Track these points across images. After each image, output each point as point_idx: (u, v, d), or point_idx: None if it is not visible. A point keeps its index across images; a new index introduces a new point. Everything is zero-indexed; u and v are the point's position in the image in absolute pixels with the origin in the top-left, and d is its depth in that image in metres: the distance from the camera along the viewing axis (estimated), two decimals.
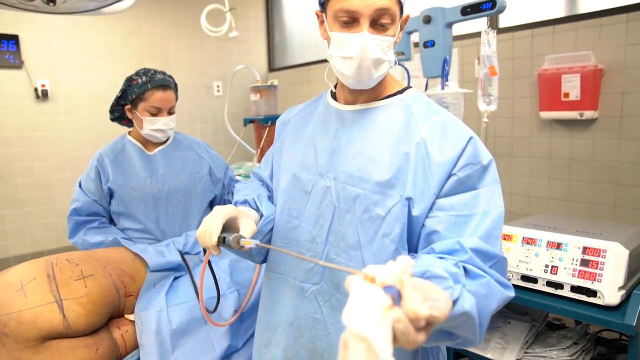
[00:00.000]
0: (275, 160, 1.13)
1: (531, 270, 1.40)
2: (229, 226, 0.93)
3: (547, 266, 1.37)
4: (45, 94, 3.66)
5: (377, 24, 0.90)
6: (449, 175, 0.88)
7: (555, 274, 1.35)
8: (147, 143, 1.86)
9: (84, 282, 1.30)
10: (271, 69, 4.94)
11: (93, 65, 3.92)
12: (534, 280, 1.39)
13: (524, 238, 1.44)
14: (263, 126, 2.57)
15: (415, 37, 2.16)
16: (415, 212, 0.89)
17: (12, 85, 3.56)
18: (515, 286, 1.35)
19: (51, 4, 1.80)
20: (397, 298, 0.52)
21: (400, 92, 0.99)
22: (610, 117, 2.31)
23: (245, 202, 1.09)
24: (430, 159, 0.89)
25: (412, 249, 0.93)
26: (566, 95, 2.38)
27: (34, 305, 1.20)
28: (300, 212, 1.02)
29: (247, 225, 0.92)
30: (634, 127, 2.24)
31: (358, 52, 0.90)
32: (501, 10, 1.81)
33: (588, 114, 2.32)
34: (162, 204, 1.80)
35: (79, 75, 3.85)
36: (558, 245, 1.37)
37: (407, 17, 0.96)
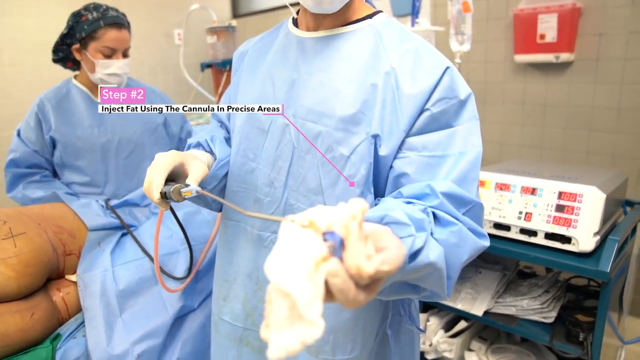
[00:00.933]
0: (232, 96, 1.00)
1: (504, 217, 1.33)
2: (177, 175, 0.81)
3: (520, 213, 1.30)
4: None
5: None
6: (422, 110, 0.77)
7: (529, 220, 1.28)
8: (96, 88, 1.68)
9: (13, 241, 1.16)
10: (235, 14, 4.65)
11: (37, 10, 3.58)
12: (507, 228, 1.33)
13: (497, 184, 1.36)
14: (221, 71, 2.38)
15: None
16: (382, 151, 0.78)
17: None
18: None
19: None
20: (338, 248, 0.41)
21: (370, 16, 0.85)
22: (586, 59, 2.22)
23: (198, 145, 0.96)
24: (401, 92, 0.78)
25: (379, 194, 0.83)
26: (542, 36, 2.26)
27: None
28: (257, 154, 0.90)
29: (196, 170, 0.80)
30: (610, 71, 2.16)
31: None
32: None
33: (564, 56, 2.22)
34: (111, 155, 1.65)
35: (23, 21, 3.52)
36: (533, 191, 1.29)
37: None
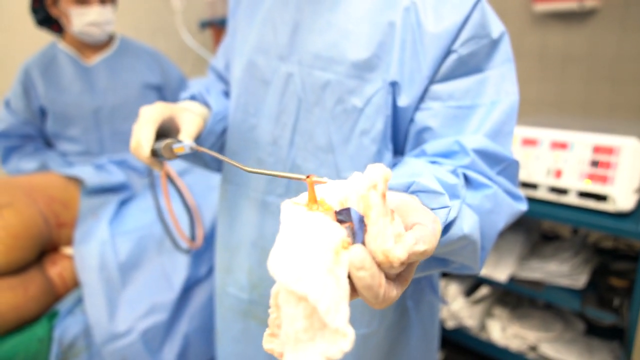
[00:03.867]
0: (230, 44, 0.88)
1: (531, 175, 1.22)
2: (168, 130, 0.71)
3: (549, 170, 1.19)
4: None
5: None
6: (448, 52, 0.65)
7: (560, 178, 1.17)
8: (84, 49, 1.56)
9: (0, 212, 1.07)
10: None
11: None
12: (534, 186, 1.22)
13: (523, 139, 1.25)
14: (222, 29, 2.24)
15: None
16: (402, 102, 0.67)
17: None
18: None
19: None
20: (358, 230, 0.32)
21: None
22: (613, 5, 2.06)
23: (192, 98, 0.85)
24: (423, 30, 0.66)
25: (399, 151, 0.72)
26: None
27: None
28: (258, 108, 0.79)
29: (189, 124, 0.70)
30: (639, 17, 2.01)
31: None
32: None
33: (589, 3, 2.05)
34: (105, 121, 1.54)
35: None
36: (563, 146, 1.17)
37: None
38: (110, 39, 1.60)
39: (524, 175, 1.23)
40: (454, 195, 0.53)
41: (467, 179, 0.59)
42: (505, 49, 0.67)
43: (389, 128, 0.70)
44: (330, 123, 0.72)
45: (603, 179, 1.11)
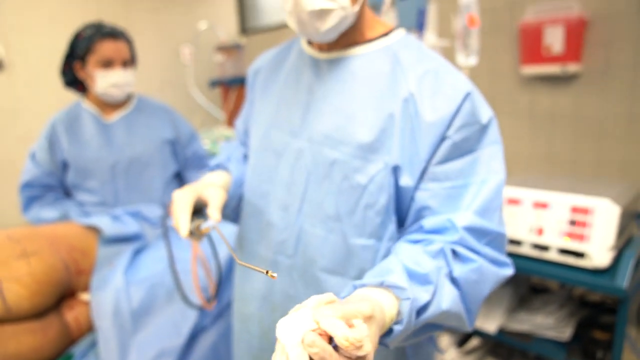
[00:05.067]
0: (248, 114, 1.01)
1: (515, 232, 1.31)
2: (200, 205, 0.85)
3: (532, 228, 1.29)
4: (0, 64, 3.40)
5: None
6: (443, 138, 0.75)
7: (541, 235, 1.26)
8: (105, 108, 1.70)
9: (27, 260, 1.17)
10: (243, 29, 4.71)
11: (52, 30, 3.65)
12: (518, 243, 1.31)
13: (507, 199, 1.35)
14: (230, 88, 2.40)
15: None
16: (403, 182, 0.77)
17: None
18: None
19: None
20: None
21: (386, 34, 0.84)
22: (594, 70, 2.22)
23: (218, 167, 0.98)
24: (420, 119, 0.76)
25: (402, 221, 0.82)
26: (548, 48, 2.27)
27: None
28: (271, 176, 0.90)
29: (214, 198, 0.82)
30: (620, 80, 2.15)
31: (291, 6, 0.77)
32: None
33: (571, 67, 2.21)
34: (120, 175, 1.66)
35: (38, 42, 3.59)
36: (544, 205, 1.28)
37: None
38: (128, 98, 1.74)
39: (509, 232, 1.32)
40: (426, 281, 0.64)
41: (455, 253, 0.70)
42: (493, 132, 0.78)
43: (392, 203, 0.79)
44: (338, 196, 0.81)
45: (580, 237, 1.21)
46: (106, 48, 1.55)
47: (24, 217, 1.68)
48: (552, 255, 1.25)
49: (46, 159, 1.64)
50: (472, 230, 0.72)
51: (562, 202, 1.25)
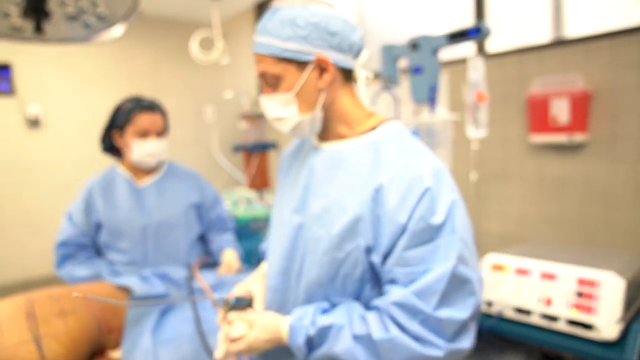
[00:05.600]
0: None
1: (524, 301, 1.37)
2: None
3: (540, 298, 1.34)
4: (36, 122, 3.64)
5: (268, 84, 0.97)
6: (404, 228, 0.85)
7: (550, 306, 1.32)
8: (138, 173, 1.84)
9: (65, 318, 1.25)
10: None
11: (85, 92, 3.92)
12: (528, 312, 1.36)
13: (516, 269, 1.42)
14: (252, 153, 2.55)
15: (403, 62, 2.17)
16: (374, 258, 0.89)
17: (4, 113, 3.54)
18: (507, 319, 1.33)
19: (39, 34, 1.79)
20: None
21: (375, 128, 0.97)
22: (601, 140, 2.31)
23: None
24: (385, 209, 0.87)
25: (379, 284, 0.93)
26: (555, 118, 2.38)
27: (10, 345, 1.15)
28: (276, 246, 1.05)
29: (258, 292, 1.11)
30: (625, 150, 2.24)
31: (265, 114, 1.01)
32: (486, 36, 1.82)
33: (578, 137, 2.31)
34: (150, 237, 1.76)
35: (71, 103, 3.85)
36: (551, 276, 1.34)
37: (319, 59, 0.92)
38: (159, 164, 1.88)
39: (518, 301, 1.38)
40: (325, 323, 0.88)
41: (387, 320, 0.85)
42: (450, 224, 0.86)
43: (367, 272, 0.90)
44: (320, 267, 0.93)
45: (588, 309, 1.25)
46: (143, 119, 1.70)
47: (57, 272, 1.77)
48: (562, 326, 1.30)
49: (82, 220, 1.76)
50: (402, 306, 0.83)
51: (569, 274, 1.31)
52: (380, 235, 0.87)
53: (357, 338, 0.85)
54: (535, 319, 1.35)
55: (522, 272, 1.40)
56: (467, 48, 2.63)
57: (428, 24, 3.25)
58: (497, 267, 1.45)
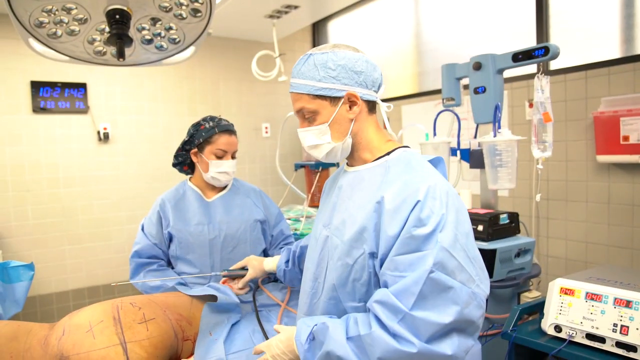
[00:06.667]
0: None
1: (597, 328, 1.33)
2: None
3: (615, 325, 1.30)
4: (106, 137, 3.89)
5: (305, 118, 1.14)
6: (396, 237, 0.98)
7: (626, 334, 1.27)
8: (207, 189, 1.93)
9: (146, 325, 1.34)
10: None
11: (149, 108, 4.15)
12: (602, 339, 1.32)
13: (587, 293, 1.38)
14: (314, 171, 2.62)
15: (465, 81, 2.17)
16: (376, 263, 1.03)
17: (78, 128, 3.81)
18: (580, 344, 1.29)
19: (121, 59, 1.93)
20: None
21: (390, 152, 1.14)
22: None
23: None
24: (384, 219, 1.01)
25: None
26: (626, 138, 2.30)
27: (101, 347, 1.25)
28: (310, 256, 1.24)
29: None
30: None
31: (302, 143, 1.18)
32: (554, 57, 1.80)
33: None
34: (217, 250, 1.85)
35: (137, 119, 4.08)
36: (627, 304, 1.30)
37: (349, 94, 1.10)
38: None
39: (590, 328, 1.34)
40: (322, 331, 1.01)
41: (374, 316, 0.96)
42: (436, 234, 0.95)
43: (373, 277, 1.05)
44: (334, 272, 1.10)
45: None
46: (222, 141, 1.80)
47: (131, 281, 1.88)
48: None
49: (154, 231, 1.87)
50: (383, 304, 0.95)
51: None
52: (380, 242, 1.01)
53: (350, 338, 0.96)
54: (609, 347, 1.31)
55: (594, 297, 1.36)
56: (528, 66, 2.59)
57: (486, 42, 3.23)
58: (566, 291, 1.42)
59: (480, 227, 1.84)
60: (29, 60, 3.58)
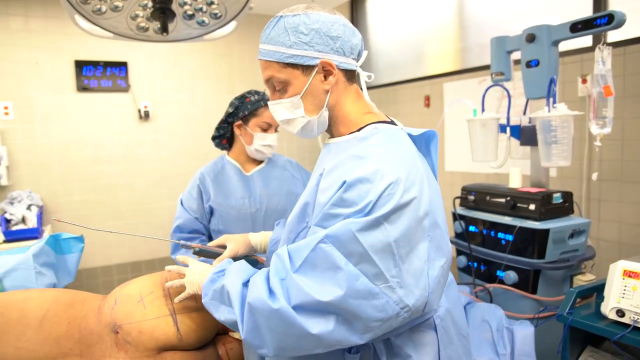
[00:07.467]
0: None
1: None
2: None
3: None
4: (147, 115, 3.95)
5: (275, 90, 1.05)
6: (321, 210, 0.93)
7: None
8: (246, 163, 1.92)
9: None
10: None
11: (188, 86, 4.18)
12: None
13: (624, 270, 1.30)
14: None
15: (515, 56, 2.07)
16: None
17: (120, 107, 3.88)
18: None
19: (164, 34, 1.93)
20: None
21: (361, 128, 1.03)
22: None
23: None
24: (318, 194, 0.97)
25: None
26: None
27: (152, 317, 1.26)
28: None
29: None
30: None
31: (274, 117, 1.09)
32: (619, 25, 1.68)
33: None
34: (259, 223, 1.85)
35: (176, 97, 4.12)
36: None
37: (323, 62, 0.99)
38: None
39: (627, 305, 1.26)
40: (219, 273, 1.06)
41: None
42: (350, 216, 0.87)
43: None
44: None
45: None
46: (268, 114, 1.79)
47: (172, 257, 1.90)
48: None
49: (195, 206, 1.86)
50: (279, 257, 0.92)
51: None
52: (313, 214, 0.97)
53: (244, 283, 0.95)
54: None
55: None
56: (581, 38, 2.44)
57: (532, 16, 3.07)
58: (630, 274, 1.34)
59: (532, 206, 1.77)
60: (74, 40, 3.66)
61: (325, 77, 1.01)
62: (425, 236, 0.90)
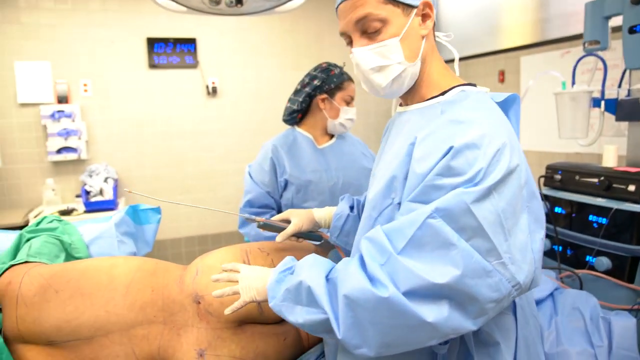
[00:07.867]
0: None
1: None
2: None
3: None
4: (214, 91, 4.01)
5: (367, 33, 0.90)
6: (420, 182, 0.83)
7: None
8: (319, 136, 1.89)
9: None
10: None
11: (254, 62, 4.18)
12: None
13: None
14: None
15: (615, 22, 1.87)
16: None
17: (189, 83, 3.96)
18: None
19: (239, 5, 1.90)
20: None
21: (446, 92, 0.93)
22: None
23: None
24: (412, 164, 0.85)
25: None
26: None
27: None
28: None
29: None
30: None
31: (356, 69, 0.95)
32: None
33: None
34: (336, 196, 1.81)
35: (243, 72, 4.15)
36: None
37: (425, 2, 0.90)
38: None
39: None
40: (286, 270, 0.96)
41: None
42: (459, 191, 0.77)
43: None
44: (362, 230, 0.98)
45: None
46: (352, 88, 1.78)
47: (240, 231, 1.88)
48: None
49: (267, 179, 1.83)
50: (372, 241, 0.82)
51: None
52: (408, 191, 0.85)
53: (328, 279, 0.85)
54: None
55: None
56: None
57: None
58: None
59: (631, 187, 1.61)
60: (146, 18, 3.75)
61: (424, 20, 0.92)
62: (525, 207, 0.82)
